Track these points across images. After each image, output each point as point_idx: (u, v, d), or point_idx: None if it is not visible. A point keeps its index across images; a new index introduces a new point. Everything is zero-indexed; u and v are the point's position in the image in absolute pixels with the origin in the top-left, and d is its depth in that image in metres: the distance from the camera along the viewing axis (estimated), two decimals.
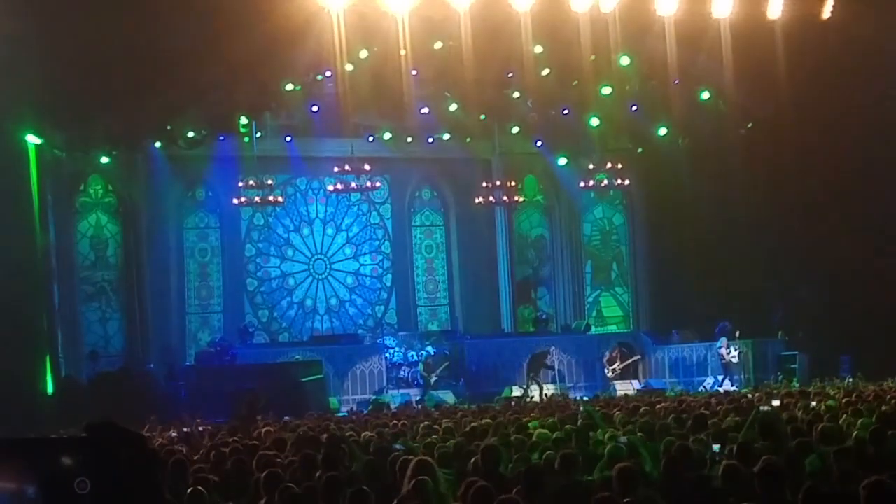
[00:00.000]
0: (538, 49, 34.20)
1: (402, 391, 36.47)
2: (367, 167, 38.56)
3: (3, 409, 26.22)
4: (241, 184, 37.42)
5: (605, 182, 40.76)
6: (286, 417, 24.93)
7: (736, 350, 36.33)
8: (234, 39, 30.32)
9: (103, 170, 37.47)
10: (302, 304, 41.21)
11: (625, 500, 9.13)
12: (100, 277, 38.21)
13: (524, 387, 36.29)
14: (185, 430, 22.94)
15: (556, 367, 37.78)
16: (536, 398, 33.81)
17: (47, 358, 31.65)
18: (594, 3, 32.48)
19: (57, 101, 30.23)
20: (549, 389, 36.07)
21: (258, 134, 37.50)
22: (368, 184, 39.25)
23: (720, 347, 36.51)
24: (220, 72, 31.96)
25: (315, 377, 33.64)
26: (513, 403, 30.70)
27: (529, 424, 17.00)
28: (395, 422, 21.10)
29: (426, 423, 19.15)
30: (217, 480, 12.04)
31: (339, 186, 39.36)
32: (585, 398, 30.90)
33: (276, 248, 41.08)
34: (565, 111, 38.73)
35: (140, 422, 23.48)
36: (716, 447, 13.32)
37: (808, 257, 36.57)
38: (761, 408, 18.79)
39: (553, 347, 37.93)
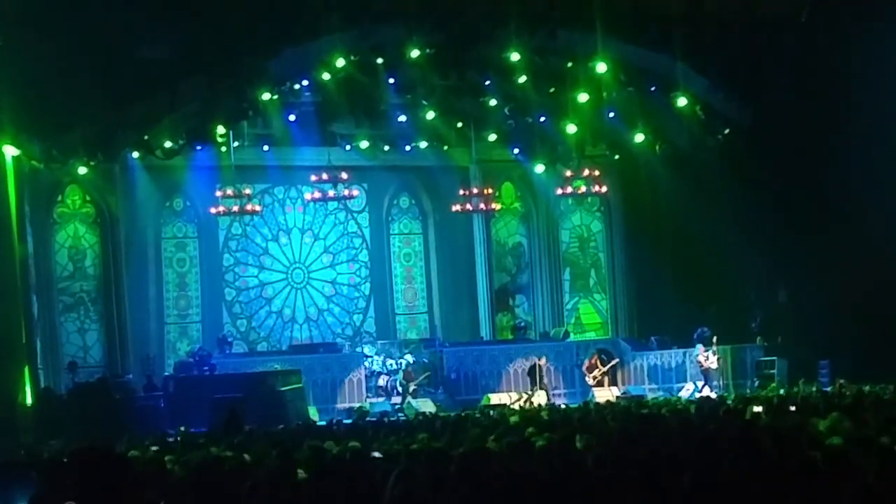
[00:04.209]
0: (515, 56, 34.22)
1: (380, 400, 36.48)
2: (344, 176, 38.58)
3: None
4: (218, 193, 37.29)
5: (583, 189, 40.72)
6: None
7: (714, 356, 36.40)
8: (210, 48, 30.37)
9: (81, 180, 37.34)
10: (280, 314, 41.12)
11: None
12: (78, 288, 38.07)
13: (528, 393, 36.28)
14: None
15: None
16: (543, 403, 33.98)
17: (26, 369, 31.47)
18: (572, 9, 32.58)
19: (34, 111, 30.11)
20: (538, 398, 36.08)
21: (235, 143, 37.42)
22: (346, 192, 39.19)
23: (698, 354, 36.59)
24: (197, 81, 31.96)
25: (294, 386, 33.56)
26: (491, 413, 30.73)
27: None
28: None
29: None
30: None
31: (316, 195, 39.34)
32: (564, 406, 30.96)
33: (254, 258, 40.99)
34: (542, 118, 38.74)
35: (118, 434, 23.41)
36: None
37: (786, 262, 36.67)
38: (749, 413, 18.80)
39: (545, 357, 37.88)
